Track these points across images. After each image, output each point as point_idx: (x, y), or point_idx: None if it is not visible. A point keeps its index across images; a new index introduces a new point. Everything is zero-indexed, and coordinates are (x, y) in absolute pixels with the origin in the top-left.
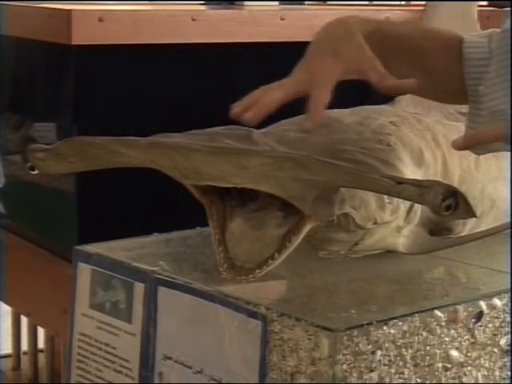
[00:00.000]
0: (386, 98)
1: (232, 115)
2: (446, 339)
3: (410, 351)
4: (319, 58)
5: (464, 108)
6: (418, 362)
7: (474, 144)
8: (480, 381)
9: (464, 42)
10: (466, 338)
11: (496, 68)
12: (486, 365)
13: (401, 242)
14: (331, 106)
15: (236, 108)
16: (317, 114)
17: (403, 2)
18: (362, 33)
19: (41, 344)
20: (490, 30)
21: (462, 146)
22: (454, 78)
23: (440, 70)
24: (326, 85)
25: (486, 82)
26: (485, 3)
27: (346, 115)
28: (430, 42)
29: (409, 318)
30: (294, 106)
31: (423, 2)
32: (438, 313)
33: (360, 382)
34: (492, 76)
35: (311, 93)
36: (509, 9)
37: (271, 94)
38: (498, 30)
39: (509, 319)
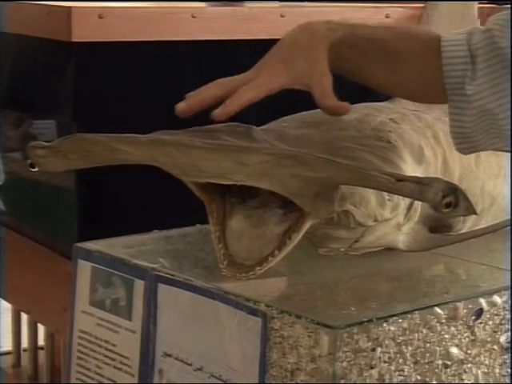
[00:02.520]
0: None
1: (179, 112)
2: (446, 336)
3: (409, 348)
4: (272, 61)
5: None
6: (418, 359)
7: None
8: (480, 378)
9: (442, 41)
10: (465, 335)
11: (483, 67)
12: (486, 362)
13: (401, 239)
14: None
15: (183, 105)
16: (226, 110)
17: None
18: (329, 40)
19: (41, 341)
20: (471, 27)
21: None
22: (432, 79)
23: (417, 72)
24: (261, 89)
25: (473, 81)
26: (485, 1)
27: None
28: (406, 45)
29: (409, 315)
30: (294, 105)
31: (423, 2)
32: (437, 310)
33: (360, 379)
34: (480, 75)
35: (240, 89)
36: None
37: (212, 91)
38: (480, 27)
39: (509, 316)
